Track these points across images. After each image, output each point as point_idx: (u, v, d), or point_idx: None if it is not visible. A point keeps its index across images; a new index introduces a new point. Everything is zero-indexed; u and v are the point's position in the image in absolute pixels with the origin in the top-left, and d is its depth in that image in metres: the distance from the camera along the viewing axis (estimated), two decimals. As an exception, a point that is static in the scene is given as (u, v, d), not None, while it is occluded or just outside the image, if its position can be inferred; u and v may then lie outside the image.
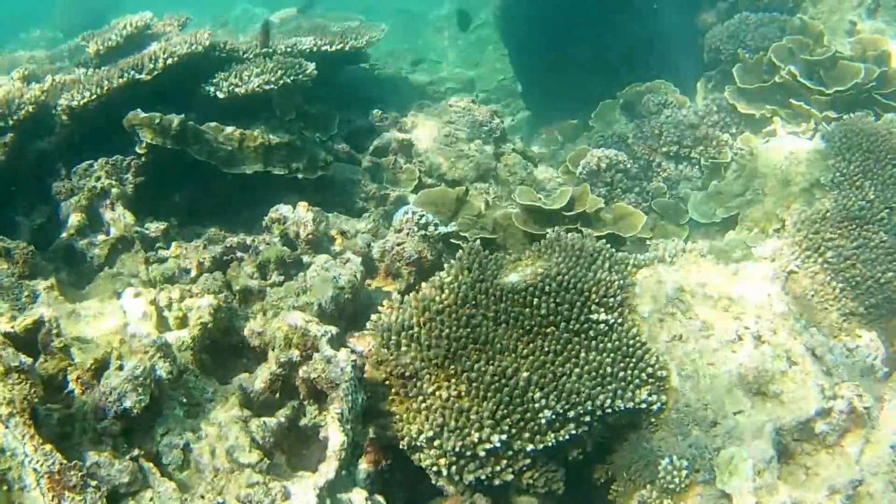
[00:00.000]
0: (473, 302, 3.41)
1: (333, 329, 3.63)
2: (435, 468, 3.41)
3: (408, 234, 3.93)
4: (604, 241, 3.78)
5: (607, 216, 4.27)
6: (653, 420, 3.46)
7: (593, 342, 3.37)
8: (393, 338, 3.46)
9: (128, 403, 2.86)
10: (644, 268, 3.70)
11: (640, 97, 6.54)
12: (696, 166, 5.89)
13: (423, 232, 3.93)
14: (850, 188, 4.25)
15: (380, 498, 3.31)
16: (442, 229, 3.95)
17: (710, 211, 5.06)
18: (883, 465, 3.30)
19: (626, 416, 3.44)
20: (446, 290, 3.46)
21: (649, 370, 3.43)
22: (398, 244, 3.91)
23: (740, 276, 3.76)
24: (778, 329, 3.58)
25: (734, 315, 3.65)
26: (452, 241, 3.98)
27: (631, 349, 3.46)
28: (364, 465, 3.40)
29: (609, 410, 3.33)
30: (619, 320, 3.54)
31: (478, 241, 3.82)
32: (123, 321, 3.70)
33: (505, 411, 3.25)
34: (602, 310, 3.50)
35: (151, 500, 2.78)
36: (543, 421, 3.25)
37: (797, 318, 3.73)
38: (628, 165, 5.70)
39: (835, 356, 3.52)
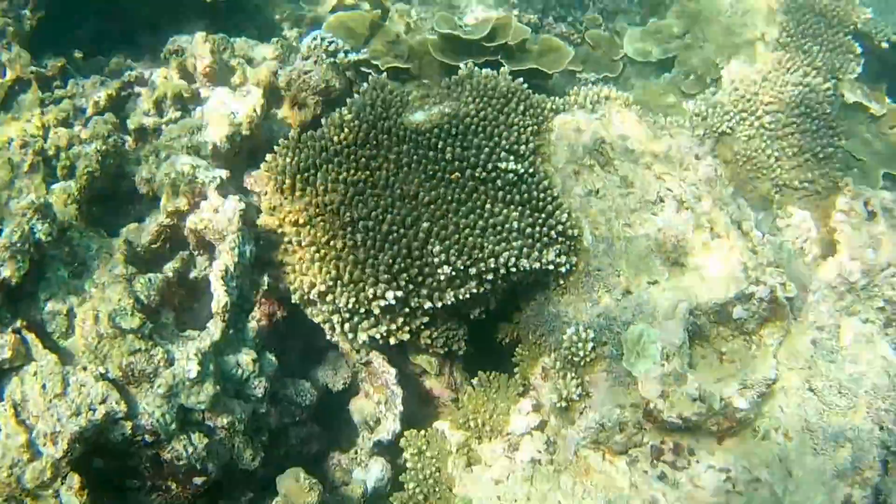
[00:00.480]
0: (374, 142, 3.09)
1: (223, 173, 3.30)
2: (328, 324, 3.21)
3: (315, 61, 3.54)
4: (521, 79, 3.41)
5: (533, 48, 3.86)
6: (561, 282, 3.27)
7: (500, 193, 3.11)
8: (287, 181, 3.14)
9: (6, 273, 2.65)
10: (562, 113, 3.38)
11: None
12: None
13: (331, 59, 3.53)
14: (797, 51, 3.94)
15: (271, 356, 3.12)
16: (352, 56, 3.55)
17: (647, 49, 4.68)
18: (801, 360, 3.17)
19: (532, 276, 3.23)
20: (346, 129, 3.13)
21: (559, 228, 3.18)
22: (305, 72, 3.51)
23: (667, 131, 3.48)
24: (703, 195, 3.35)
25: (657, 174, 3.40)
26: (364, 69, 3.59)
27: (541, 203, 3.19)
28: (255, 323, 3.17)
29: (514, 269, 3.11)
30: (531, 170, 3.25)
31: (385, 73, 3.45)
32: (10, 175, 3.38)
33: (402, 265, 3.01)
34: (512, 158, 3.21)
35: (35, 374, 2.58)
36: (443, 277, 3.03)
37: (725, 184, 3.50)
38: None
39: (762, 233, 3.32)
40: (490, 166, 3.08)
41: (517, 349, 3.40)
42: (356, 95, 3.36)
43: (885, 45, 4.33)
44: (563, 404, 3.02)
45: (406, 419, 3.28)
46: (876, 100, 4.45)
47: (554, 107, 3.35)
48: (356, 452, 3.34)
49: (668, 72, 4.45)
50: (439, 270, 3.02)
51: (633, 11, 5.18)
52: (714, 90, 4.01)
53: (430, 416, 3.51)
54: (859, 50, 4.12)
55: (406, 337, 3.15)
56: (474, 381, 3.36)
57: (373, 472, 3.22)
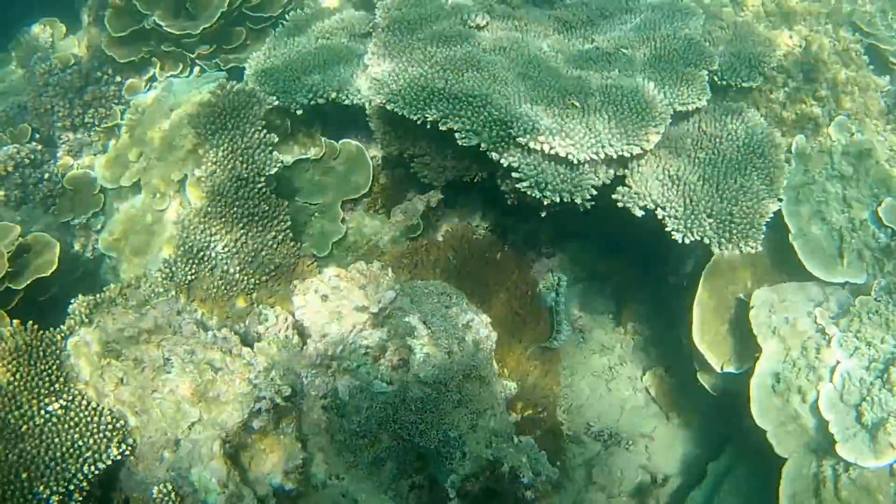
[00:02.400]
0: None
1: None
2: None
3: None
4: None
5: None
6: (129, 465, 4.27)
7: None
8: None
9: None
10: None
11: (29, 51, 6.14)
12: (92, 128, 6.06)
13: None
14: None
15: None
16: None
17: (117, 176, 5.47)
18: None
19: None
20: None
21: (110, 426, 4.13)
22: None
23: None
24: (196, 349, 4.46)
25: (155, 345, 4.42)
26: None
27: (88, 417, 4.08)
28: None
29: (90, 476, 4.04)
30: (70, 398, 4.08)
31: None
32: None
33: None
34: (54, 399, 4.00)
35: None
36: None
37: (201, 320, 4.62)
38: (33, 157, 5.62)
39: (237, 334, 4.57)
40: (38, 419, 3.85)
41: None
42: None
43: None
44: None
45: None
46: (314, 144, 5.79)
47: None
48: None
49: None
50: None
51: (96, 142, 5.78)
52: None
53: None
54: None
55: None
56: None
57: None
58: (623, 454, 5.78)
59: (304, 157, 5.69)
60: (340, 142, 5.83)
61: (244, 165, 5.01)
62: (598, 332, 6.43)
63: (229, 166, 4.99)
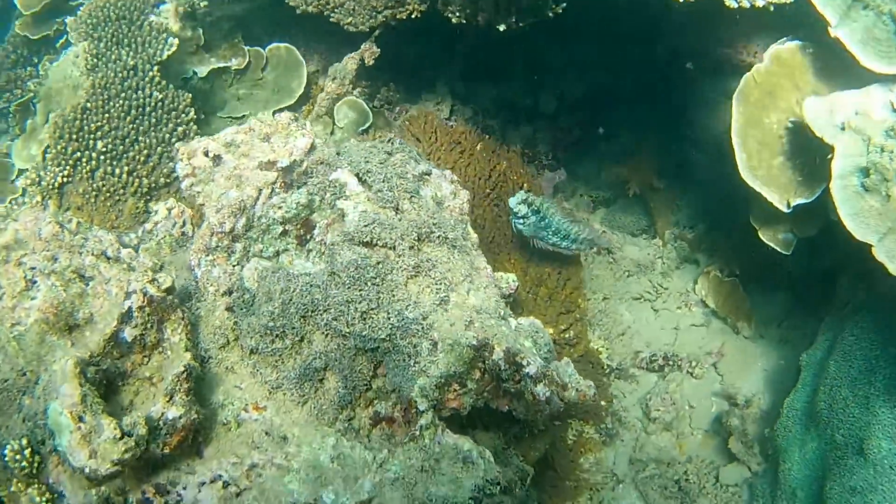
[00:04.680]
0: None
1: None
2: None
3: None
4: None
5: None
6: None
7: None
8: None
9: None
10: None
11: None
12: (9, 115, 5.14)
13: None
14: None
15: None
16: None
17: (27, 153, 4.42)
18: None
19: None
20: None
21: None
22: None
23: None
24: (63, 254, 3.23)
25: (15, 263, 3.20)
26: None
27: None
28: None
29: None
30: None
31: None
32: None
33: None
34: None
35: None
36: None
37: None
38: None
39: (130, 248, 3.32)
40: None
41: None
42: None
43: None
44: None
45: None
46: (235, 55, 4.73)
47: None
48: None
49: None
50: None
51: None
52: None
53: None
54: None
55: None
56: None
57: None
58: (688, 382, 4.22)
59: (222, 65, 4.61)
60: (267, 48, 4.76)
61: (131, 53, 3.94)
62: (630, 250, 4.98)
63: (113, 57, 3.93)
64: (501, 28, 3.46)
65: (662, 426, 4.03)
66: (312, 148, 3.22)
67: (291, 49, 4.69)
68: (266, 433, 2.88)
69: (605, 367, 4.18)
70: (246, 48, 4.75)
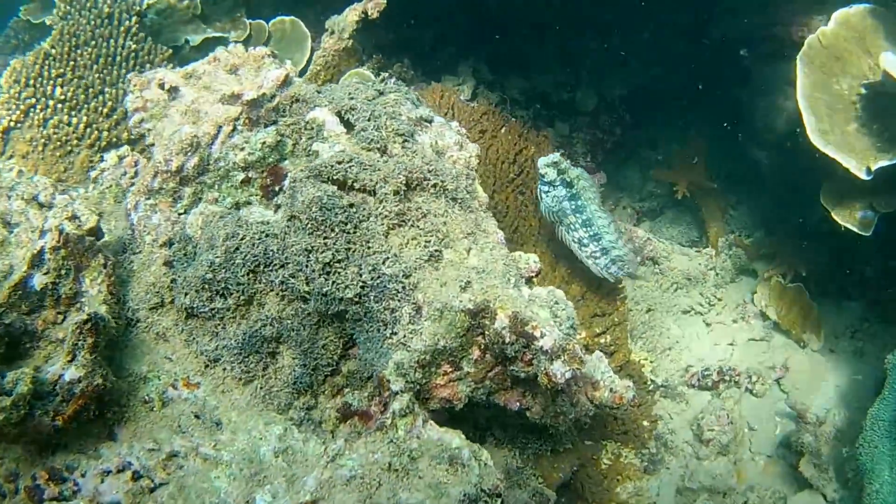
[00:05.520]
0: None
1: None
2: None
3: None
4: None
5: None
6: None
7: None
8: None
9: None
10: None
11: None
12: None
13: None
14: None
15: None
16: None
17: None
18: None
19: None
20: None
21: None
22: None
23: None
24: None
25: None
26: None
27: None
28: None
29: None
30: None
31: None
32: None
33: None
34: None
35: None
36: None
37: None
38: None
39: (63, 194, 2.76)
40: None
41: None
42: None
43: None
44: None
45: None
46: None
47: None
48: None
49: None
50: None
51: None
52: None
53: None
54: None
55: None
56: None
57: None
58: (747, 400, 3.44)
59: (219, 35, 4.17)
60: (270, 22, 4.33)
61: (108, 1, 3.53)
62: (679, 261, 4.26)
63: (88, 4, 3.52)
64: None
65: (717, 450, 3.24)
66: (287, 82, 2.66)
67: (297, 22, 4.23)
68: (196, 416, 2.23)
69: (649, 382, 3.42)
70: (248, 21, 4.32)
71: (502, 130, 3.93)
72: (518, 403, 2.37)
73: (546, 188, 3.21)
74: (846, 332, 3.61)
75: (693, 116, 4.64)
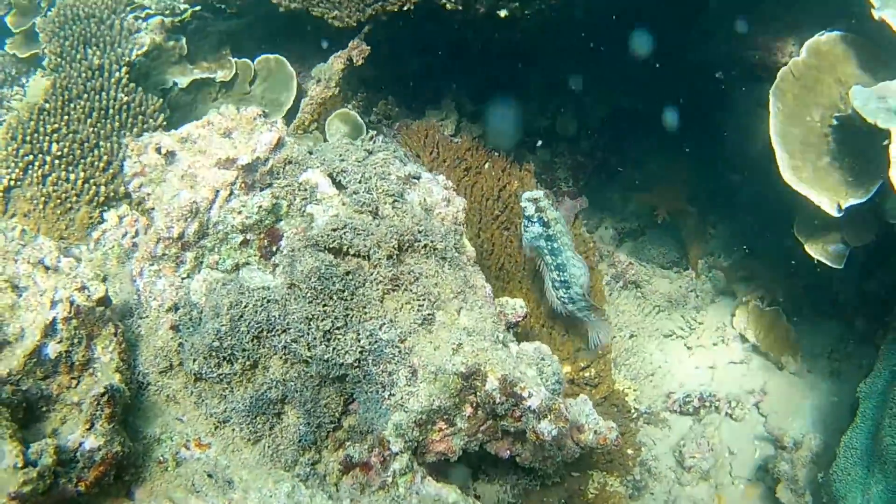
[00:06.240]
0: None
1: None
2: None
3: None
4: None
5: None
6: None
7: None
8: None
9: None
10: None
11: None
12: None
13: None
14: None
15: None
16: None
17: None
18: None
19: None
20: None
21: None
22: None
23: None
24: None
25: None
26: None
27: None
28: None
29: None
30: None
31: None
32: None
33: None
34: None
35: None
36: None
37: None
38: None
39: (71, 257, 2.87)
40: None
41: None
42: None
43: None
44: None
45: None
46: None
47: None
48: None
49: None
50: None
51: None
52: None
53: None
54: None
55: None
56: None
57: None
58: (727, 425, 3.61)
59: (206, 76, 4.26)
60: (256, 59, 4.42)
61: (98, 53, 3.60)
62: (660, 284, 4.43)
63: (78, 56, 3.60)
64: (503, 14, 3.04)
65: (699, 475, 3.42)
66: (280, 145, 2.78)
67: (282, 60, 4.32)
68: (208, 475, 2.36)
69: (633, 410, 3.59)
70: (233, 60, 4.41)
71: (486, 166, 4.06)
72: (508, 451, 2.52)
73: (525, 223, 3.34)
74: (823, 352, 3.78)
75: (673, 139, 4.78)
